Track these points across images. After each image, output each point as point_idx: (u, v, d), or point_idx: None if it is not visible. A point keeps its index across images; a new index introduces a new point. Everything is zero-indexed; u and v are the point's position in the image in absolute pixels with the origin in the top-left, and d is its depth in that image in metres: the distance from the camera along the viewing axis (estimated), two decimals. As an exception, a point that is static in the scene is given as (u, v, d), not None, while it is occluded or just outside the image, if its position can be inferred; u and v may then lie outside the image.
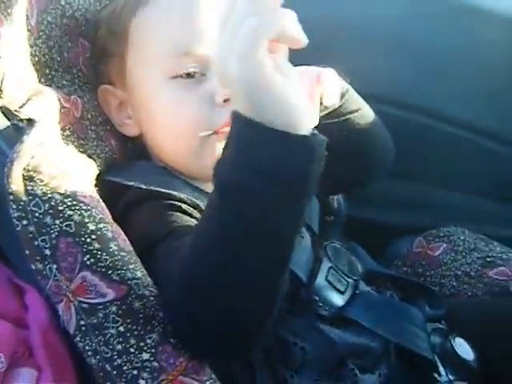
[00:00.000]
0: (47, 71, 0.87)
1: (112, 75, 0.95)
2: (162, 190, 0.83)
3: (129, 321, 0.67)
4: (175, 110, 0.88)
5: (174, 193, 0.82)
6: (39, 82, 0.84)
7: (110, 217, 0.72)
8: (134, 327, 0.67)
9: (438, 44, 1.33)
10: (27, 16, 0.84)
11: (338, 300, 0.87)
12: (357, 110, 0.99)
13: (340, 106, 0.96)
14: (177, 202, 0.81)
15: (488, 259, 1.12)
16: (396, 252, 1.21)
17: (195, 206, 0.82)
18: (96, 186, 0.81)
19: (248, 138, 0.60)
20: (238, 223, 0.60)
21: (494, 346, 0.94)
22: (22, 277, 0.70)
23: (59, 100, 0.83)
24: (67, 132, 0.83)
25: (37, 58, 0.85)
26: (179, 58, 0.87)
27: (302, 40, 0.60)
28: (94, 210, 0.69)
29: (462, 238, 1.17)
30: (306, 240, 0.93)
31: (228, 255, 0.61)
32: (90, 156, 0.85)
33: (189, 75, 0.87)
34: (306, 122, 0.60)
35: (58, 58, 0.90)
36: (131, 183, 0.85)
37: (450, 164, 1.34)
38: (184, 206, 0.81)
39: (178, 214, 0.79)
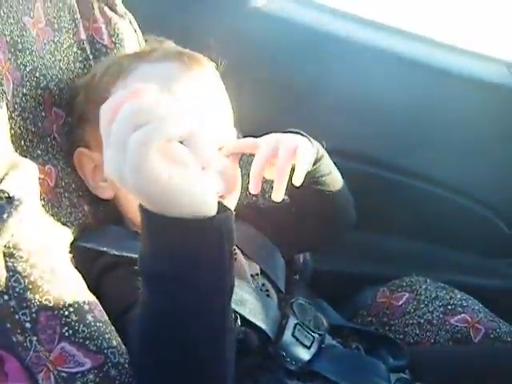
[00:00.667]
0: (22, 143, 0.90)
1: (88, 139, 0.97)
2: (133, 255, 0.84)
3: (106, 388, 0.71)
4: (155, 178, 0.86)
5: None
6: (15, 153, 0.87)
7: (85, 288, 0.75)
8: (111, 394, 0.71)
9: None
10: (3, 91, 0.88)
11: (305, 355, 0.91)
12: (328, 174, 1.04)
13: (312, 170, 1.01)
14: None
15: (449, 307, 1.18)
16: (361, 303, 1.25)
17: None
18: (70, 252, 0.85)
19: (157, 230, 0.67)
20: (165, 305, 0.69)
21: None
22: (2, 346, 0.73)
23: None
24: (42, 202, 0.86)
25: (13, 131, 0.88)
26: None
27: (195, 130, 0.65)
28: (69, 282, 0.73)
29: (423, 286, 1.22)
30: (273, 298, 0.97)
31: (166, 333, 0.70)
32: (64, 224, 0.89)
33: None
34: (210, 203, 0.67)
35: (33, 129, 0.93)
36: (104, 249, 0.88)
37: (411, 215, 1.40)
38: None
39: None
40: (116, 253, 0.87)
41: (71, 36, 1.08)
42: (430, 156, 1.42)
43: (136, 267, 0.82)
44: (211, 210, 0.67)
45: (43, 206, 0.87)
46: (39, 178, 0.86)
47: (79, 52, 1.09)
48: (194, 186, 0.65)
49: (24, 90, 0.93)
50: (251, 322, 0.88)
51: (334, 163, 1.07)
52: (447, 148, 1.43)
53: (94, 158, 0.96)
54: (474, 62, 1.48)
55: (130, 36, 1.17)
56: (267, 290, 0.99)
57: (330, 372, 0.91)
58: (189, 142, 0.66)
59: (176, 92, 0.90)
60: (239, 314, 0.87)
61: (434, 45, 1.49)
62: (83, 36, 1.10)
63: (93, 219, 0.98)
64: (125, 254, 0.87)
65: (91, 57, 1.11)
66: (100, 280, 0.85)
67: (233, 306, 0.85)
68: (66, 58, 1.05)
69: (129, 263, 0.85)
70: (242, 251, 1.00)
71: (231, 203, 0.97)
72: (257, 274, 1.00)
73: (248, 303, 0.90)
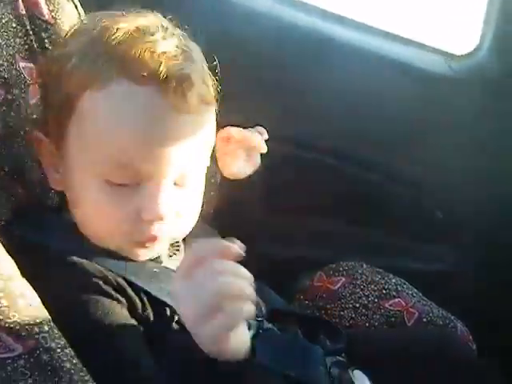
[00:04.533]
0: None
1: (50, 130, 0.90)
2: (82, 262, 0.83)
3: (36, 373, 0.69)
4: (99, 215, 0.86)
5: (95, 268, 0.83)
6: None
7: (17, 272, 0.74)
8: (42, 379, 0.69)
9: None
10: None
11: None
12: None
13: None
14: (97, 280, 0.83)
15: (384, 291, 1.20)
16: (298, 286, 1.27)
17: (112, 285, 0.84)
18: (2, 236, 0.83)
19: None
20: None
21: (391, 376, 1.01)
22: None
23: None
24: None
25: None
26: (115, 168, 0.83)
27: None
28: (1, 266, 0.71)
29: (359, 271, 1.25)
30: None
31: None
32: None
33: (123, 184, 0.84)
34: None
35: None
36: (48, 244, 0.85)
37: (349, 199, 1.41)
38: (103, 286, 0.83)
39: (100, 301, 0.82)
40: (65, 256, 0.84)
41: (9, 11, 1.04)
42: (369, 142, 1.44)
43: (86, 278, 0.83)
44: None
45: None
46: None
47: (19, 27, 1.05)
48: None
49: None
50: None
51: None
52: (387, 135, 1.45)
53: (50, 148, 0.91)
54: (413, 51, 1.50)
55: (71, 12, 1.14)
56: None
57: (265, 357, 0.90)
58: None
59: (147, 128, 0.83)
60: (169, 306, 0.87)
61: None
62: (22, 11, 1.07)
63: (29, 203, 0.96)
64: (74, 259, 0.83)
65: (31, 32, 1.07)
66: (42, 275, 0.80)
67: (164, 298, 0.87)
68: (5, 34, 1.02)
69: (76, 270, 0.83)
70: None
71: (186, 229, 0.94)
72: None
73: None
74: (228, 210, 1.16)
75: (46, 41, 1.09)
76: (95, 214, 0.86)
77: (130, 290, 0.85)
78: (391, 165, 1.46)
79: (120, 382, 0.78)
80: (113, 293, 0.83)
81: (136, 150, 0.82)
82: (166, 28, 0.88)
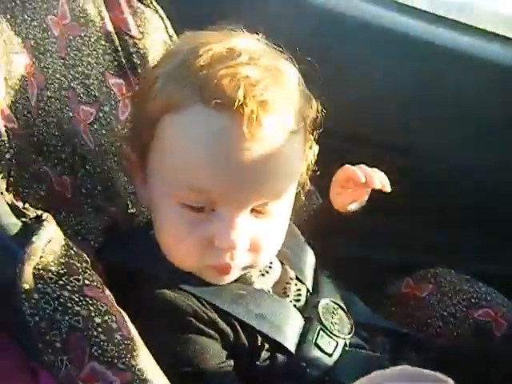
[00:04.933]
0: (44, 148, 0.91)
1: (136, 149, 0.91)
2: (174, 298, 0.85)
3: (132, 404, 0.72)
4: (174, 238, 0.86)
5: (187, 304, 0.85)
6: (37, 162, 0.88)
7: (114, 305, 0.76)
8: (138, 409, 0.73)
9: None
10: (27, 97, 0.88)
11: (327, 362, 0.92)
12: None
13: None
14: (191, 319, 0.84)
15: (473, 300, 1.17)
16: (385, 292, 1.26)
17: (204, 320, 0.85)
18: (100, 260, 0.87)
19: None
20: None
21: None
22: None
23: (52, 183, 0.88)
24: (63, 214, 0.88)
25: (35, 139, 0.89)
26: (190, 193, 0.83)
27: None
28: (99, 303, 0.74)
29: (448, 279, 1.22)
30: (302, 301, 0.98)
31: None
32: (89, 231, 0.90)
33: (198, 208, 0.84)
34: None
35: (57, 133, 0.93)
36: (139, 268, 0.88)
37: (438, 202, 1.38)
38: (196, 324, 0.85)
39: (195, 340, 0.84)
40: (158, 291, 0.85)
41: (98, 29, 1.08)
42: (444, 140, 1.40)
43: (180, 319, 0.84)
44: None
45: (65, 217, 0.88)
46: (56, 191, 0.88)
47: (107, 45, 1.09)
48: None
49: (48, 93, 0.94)
50: (270, 338, 0.89)
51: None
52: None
53: (137, 165, 0.91)
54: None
55: (157, 25, 1.16)
56: (299, 295, 0.99)
57: (350, 379, 0.91)
58: None
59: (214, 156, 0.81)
60: (258, 332, 0.88)
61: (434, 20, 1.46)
62: (110, 28, 1.10)
63: (121, 221, 0.99)
64: (167, 296, 0.85)
65: (120, 48, 1.11)
66: (141, 309, 0.82)
67: (252, 322, 0.88)
68: (94, 52, 1.06)
69: (171, 310, 0.85)
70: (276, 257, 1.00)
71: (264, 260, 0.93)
72: (291, 279, 1.00)
73: (268, 317, 0.90)
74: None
75: (134, 56, 1.12)
76: (170, 236, 0.87)
77: (220, 321, 0.86)
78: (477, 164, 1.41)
79: None
80: (206, 329, 0.85)
81: (209, 175, 0.82)
82: (255, 51, 0.86)
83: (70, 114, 0.97)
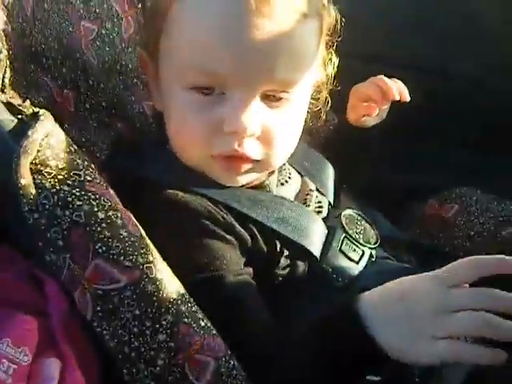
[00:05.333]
0: (44, 60, 0.88)
1: (149, 47, 0.89)
2: (189, 200, 0.82)
3: (143, 304, 0.69)
4: (183, 123, 0.84)
5: (202, 207, 0.82)
6: (36, 72, 0.85)
7: (119, 203, 0.73)
8: (149, 310, 0.69)
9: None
10: (23, 6, 0.85)
11: (353, 270, 0.88)
12: None
13: None
14: (205, 222, 0.81)
15: (501, 219, 1.13)
16: (410, 214, 1.21)
17: (219, 222, 0.82)
18: (106, 170, 0.82)
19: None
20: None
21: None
22: (41, 268, 0.71)
23: (52, 94, 0.84)
24: (66, 126, 0.83)
25: (33, 49, 0.86)
26: (200, 74, 0.81)
27: None
28: (102, 198, 0.70)
29: (474, 198, 1.17)
30: (324, 213, 0.94)
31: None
32: (94, 143, 0.86)
33: (207, 91, 0.81)
34: None
35: (56, 46, 0.90)
36: (151, 176, 0.84)
37: (461, 122, 1.32)
38: (213, 228, 0.81)
39: (210, 246, 0.80)
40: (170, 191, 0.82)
41: None
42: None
43: (192, 220, 0.81)
44: None
45: (67, 130, 0.83)
46: (58, 102, 0.84)
47: None
48: None
49: (45, 6, 0.90)
50: (294, 242, 0.86)
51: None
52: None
53: (152, 67, 0.89)
54: None
55: None
56: (320, 207, 0.95)
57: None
58: None
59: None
60: (279, 236, 0.85)
61: None
62: None
63: (130, 134, 0.95)
64: (179, 196, 0.82)
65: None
66: (149, 212, 0.79)
67: (272, 225, 0.85)
68: None
69: (183, 210, 0.81)
70: (295, 169, 0.97)
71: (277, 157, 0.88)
72: (311, 190, 0.96)
73: (290, 221, 0.87)
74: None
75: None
76: (180, 122, 0.84)
77: (237, 226, 0.82)
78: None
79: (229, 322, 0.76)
80: (222, 233, 0.81)
81: (219, 54, 0.79)
82: None
83: (70, 29, 0.93)
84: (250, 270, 0.83)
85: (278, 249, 0.85)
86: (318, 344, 0.72)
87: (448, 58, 1.34)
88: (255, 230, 0.84)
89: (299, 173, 0.97)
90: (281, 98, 0.83)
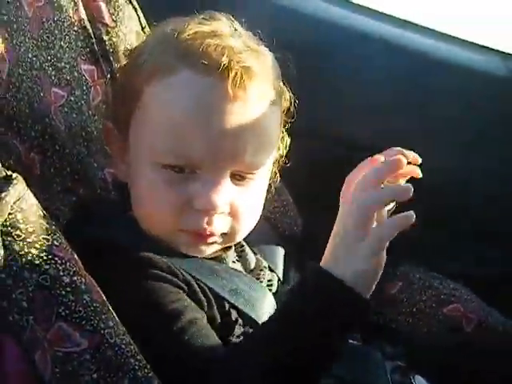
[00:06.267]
0: (14, 124, 0.90)
1: (118, 121, 0.91)
2: (149, 255, 0.84)
3: (102, 368, 0.70)
4: (151, 199, 0.86)
5: (163, 261, 0.84)
6: (6, 135, 0.88)
7: (82, 269, 0.74)
8: (107, 374, 0.70)
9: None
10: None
11: None
12: None
13: None
14: (162, 272, 0.83)
15: (442, 296, 1.17)
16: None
17: (178, 277, 0.84)
18: (67, 234, 0.84)
19: (330, 295, 0.75)
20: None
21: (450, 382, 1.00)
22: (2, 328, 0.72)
23: (21, 157, 0.87)
24: (32, 189, 0.85)
25: (5, 112, 0.89)
26: (172, 155, 0.84)
27: None
28: (68, 263, 0.72)
29: (417, 276, 1.22)
30: (273, 288, 0.97)
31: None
32: (57, 208, 0.89)
33: (178, 169, 0.84)
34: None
35: (27, 111, 0.92)
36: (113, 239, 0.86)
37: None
38: (169, 277, 0.83)
39: (165, 288, 0.82)
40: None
41: (71, 15, 1.07)
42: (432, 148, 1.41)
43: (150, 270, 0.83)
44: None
45: (33, 192, 0.85)
46: (25, 165, 0.87)
47: (80, 31, 1.08)
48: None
49: (20, 71, 0.93)
50: (245, 314, 0.88)
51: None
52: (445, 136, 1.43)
53: (118, 137, 0.91)
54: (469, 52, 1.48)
55: (131, 15, 1.17)
56: (271, 284, 0.98)
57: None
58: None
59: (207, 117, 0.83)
60: (232, 306, 0.88)
61: (432, 34, 1.50)
62: (83, 15, 1.10)
63: (89, 201, 0.98)
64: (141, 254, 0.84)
65: (92, 35, 1.11)
66: (107, 273, 0.80)
67: (226, 296, 0.87)
68: (67, 37, 1.05)
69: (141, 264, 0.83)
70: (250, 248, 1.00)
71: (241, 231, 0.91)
72: (264, 267, 0.99)
73: (242, 293, 0.89)
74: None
75: (106, 43, 1.12)
76: (148, 197, 0.86)
77: (195, 286, 0.85)
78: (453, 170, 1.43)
79: (186, 373, 0.77)
80: (180, 283, 0.83)
81: (194, 139, 0.82)
82: (236, 29, 0.89)
83: (41, 94, 0.96)
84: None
85: (234, 318, 0.87)
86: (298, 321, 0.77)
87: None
88: (212, 298, 0.86)
89: (253, 251, 1.00)
90: (245, 178, 0.87)
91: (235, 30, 0.89)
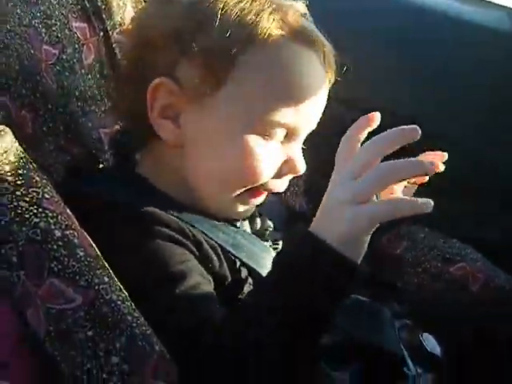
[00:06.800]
0: (4, 80, 0.87)
1: (187, 79, 0.84)
2: (157, 211, 0.82)
3: (97, 325, 0.68)
4: (247, 166, 0.85)
5: (172, 219, 0.82)
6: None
7: (75, 223, 0.72)
8: (103, 331, 0.68)
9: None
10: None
11: None
12: None
13: None
14: (170, 231, 0.81)
15: (447, 256, 1.16)
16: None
17: (188, 236, 0.82)
18: (63, 192, 0.82)
19: (319, 261, 0.72)
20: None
21: (456, 340, 0.98)
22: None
23: (11, 114, 0.84)
24: (23, 146, 0.82)
25: (-7, 67, 0.85)
26: (272, 126, 0.85)
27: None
28: (59, 216, 0.69)
29: (422, 235, 1.20)
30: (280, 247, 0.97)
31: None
32: (50, 165, 0.87)
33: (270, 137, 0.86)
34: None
35: (17, 67, 0.89)
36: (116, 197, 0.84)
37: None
38: (177, 236, 0.81)
39: (172, 248, 0.80)
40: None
41: (62, -29, 1.04)
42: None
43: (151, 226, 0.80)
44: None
45: (24, 150, 0.82)
46: (16, 122, 0.84)
47: None
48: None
49: (8, 27, 0.90)
50: (255, 271, 0.88)
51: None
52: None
53: (178, 99, 0.85)
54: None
55: None
56: (277, 243, 0.98)
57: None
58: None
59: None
60: (236, 257, 0.87)
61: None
62: (75, -30, 1.06)
63: (84, 162, 0.95)
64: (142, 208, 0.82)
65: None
66: (104, 226, 0.79)
67: (230, 248, 0.87)
68: None
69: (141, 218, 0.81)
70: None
71: None
72: (269, 227, 0.99)
73: (244, 248, 0.89)
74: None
75: (98, 0, 1.07)
76: (243, 161, 0.85)
77: (205, 244, 0.83)
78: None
79: (182, 334, 0.75)
80: (188, 243, 0.81)
81: (304, 111, 0.86)
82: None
83: (32, 52, 0.93)
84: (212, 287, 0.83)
85: (244, 276, 0.87)
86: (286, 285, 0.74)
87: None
88: (222, 255, 0.85)
89: (259, 213, 0.99)
90: None
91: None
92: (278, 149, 0.87)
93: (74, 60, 1.02)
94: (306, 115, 0.87)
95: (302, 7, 0.90)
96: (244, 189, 0.87)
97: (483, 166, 1.36)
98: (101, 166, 0.98)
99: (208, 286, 0.81)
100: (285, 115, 0.84)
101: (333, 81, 0.91)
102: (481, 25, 1.41)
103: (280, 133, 0.86)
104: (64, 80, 0.98)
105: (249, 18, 0.83)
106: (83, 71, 1.03)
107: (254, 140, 0.84)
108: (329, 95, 0.92)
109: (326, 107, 0.92)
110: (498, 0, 1.48)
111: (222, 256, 0.85)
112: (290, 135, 0.87)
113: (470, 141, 1.38)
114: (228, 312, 0.78)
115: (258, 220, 0.98)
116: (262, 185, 0.87)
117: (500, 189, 1.33)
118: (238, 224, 0.93)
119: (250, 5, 0.83)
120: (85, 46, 1.04)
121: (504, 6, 1.45)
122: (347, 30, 1.34)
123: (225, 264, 0.85)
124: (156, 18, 0.87)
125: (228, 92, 0.84)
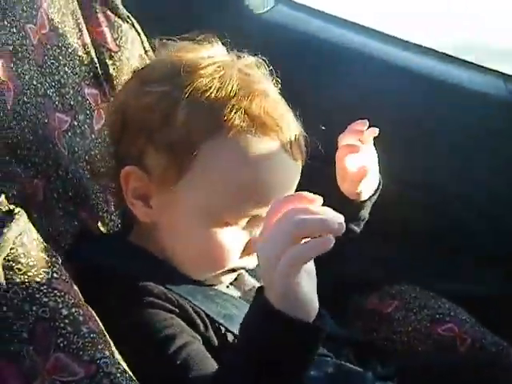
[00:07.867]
0: (18, 152, 0.92)
1: (154, 168, 0.89)
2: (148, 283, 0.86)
3: (98, 395, 0.73)
4: (214, 251, 0.89)
5: (159, 289, 0.87)
6: (11, 162, 0.90)
7: (81, 299, 0.78)
8: (103, 402, 0.73)
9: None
10: (4, 100, 0.90)
11: None
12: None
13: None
14: (158, 300, 0.85)
15: (437, 316, 1.20)
16: (350, 308, 1.27)
17: (173, 303, 0.87)
18: (70, 260, 0.87)
19: (272, 324, 0.73)
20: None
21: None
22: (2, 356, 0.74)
23: (24, 185, 0.90)
24: (35, 215, 0.88)
25: (9, 141, 0.91)
26: (232, 217, 0.88)
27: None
28: (67, 295, 0.75)
29: (413, 295, 1.25)
30: None
31: None
32: (59, 233, 0.92)
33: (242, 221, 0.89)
34: (314, 311, 0.74)
35: (31, 138, 0.95)
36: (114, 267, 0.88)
37: (401, 221, 1.41)
38: (164, 303, 0.86)
39: (159, 314, 0.85)
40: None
41: (76, 40, 1.10)
42: (428, 165, 1.44)
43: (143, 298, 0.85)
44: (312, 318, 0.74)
45: (36, 219, 0.88)
46: (27, 193, 0.90)
47: (84, 56, 1.12)
48: (315, 294, 0.75)
49: (24, 99, 0.96)
50: None
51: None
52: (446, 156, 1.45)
53: (145, 182, 0.90)
54: (471, 74, 1.50)
55: (134, 39, 1.20)
56: None
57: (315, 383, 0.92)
58: None
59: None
60: (229, 330, 0.90)
61: (434, 55, 1.52)
62: (87, 40, 1.13)
63: (91, 226, 1.01)
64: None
65: (96, 60, 1.14)
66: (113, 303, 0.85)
67: (221, 320, 0.90)
68: (71, 62, 1.08)
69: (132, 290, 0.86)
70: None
71: None
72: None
73: (236, 319, 0.90)
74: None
75: (110, 67, 1.14)
76: (208, 249, 0.89)
77: (191, 310, 0.87)
78: (447, 187, 1.45)
79: None
80: (174, 309, 0.86)
81: (261, 195, 0.87)
82: (260, 65, 0.95)
83: (45, 121, 0.99)
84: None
85: (230, 340, 0.90)
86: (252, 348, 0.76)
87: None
88: (207, 320, 0.89)
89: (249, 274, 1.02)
90: None
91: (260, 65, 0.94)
92: (242, 232, 0.90)
93: (86, 126, 1.07)
94: (269, 204, 0.83)
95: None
96: (216, 272, 0.91)
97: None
98: (103, 228, 1.04)
99: (198, 344, 0.85)
100: (245, 208, 0.87)
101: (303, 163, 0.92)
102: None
103: (242, 221, 0.89)
104: (75, 145, 1.04)
105: (212, 109, 0.85)
106: (93, 136, 1.08)
107: (215, 228, 0.88)
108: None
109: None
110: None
111: (206, 321, 0.88)
112: (252, 220, 0.89)
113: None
114: (218, 373, 0.81)
115: (249, 279, 1.00)
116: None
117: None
118: (226, 286, 0.97)
119: (216, 95, 0.86)
120: (95, 112, 1.10)
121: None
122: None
123: (210, 328, 0.88)
124: (132, 100, 0.92)
125: (190, 182, 0.87)
